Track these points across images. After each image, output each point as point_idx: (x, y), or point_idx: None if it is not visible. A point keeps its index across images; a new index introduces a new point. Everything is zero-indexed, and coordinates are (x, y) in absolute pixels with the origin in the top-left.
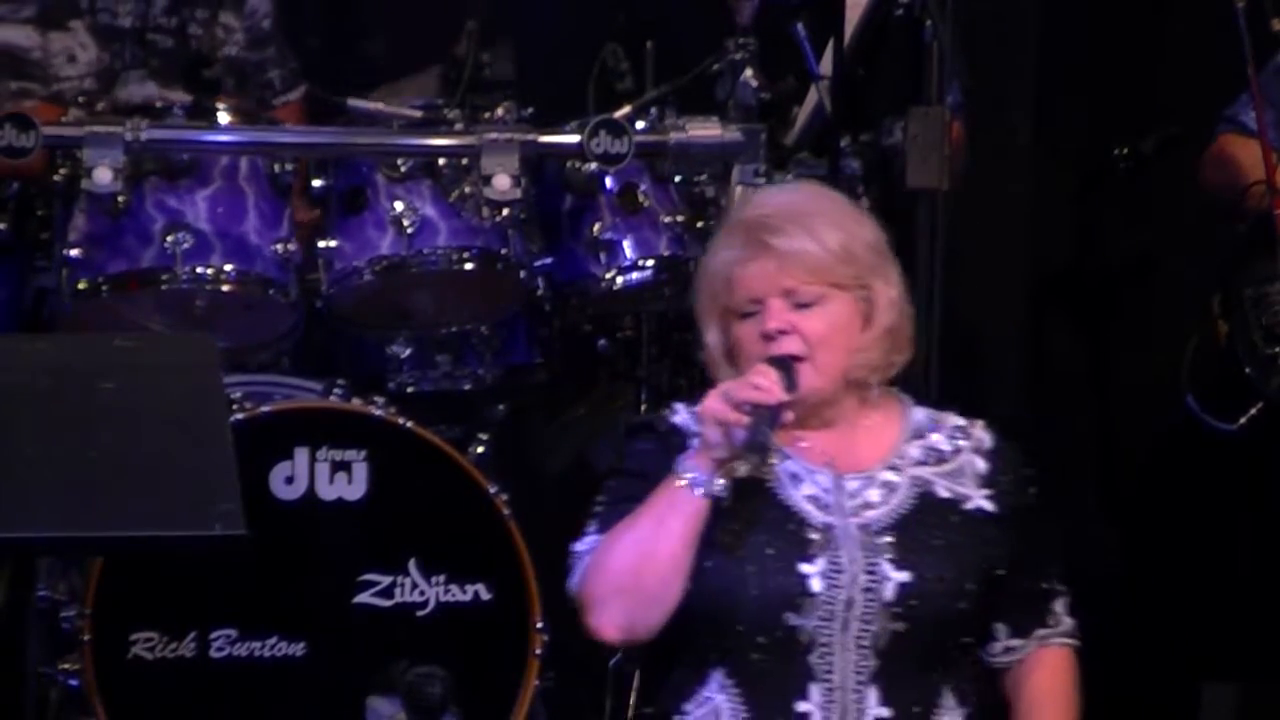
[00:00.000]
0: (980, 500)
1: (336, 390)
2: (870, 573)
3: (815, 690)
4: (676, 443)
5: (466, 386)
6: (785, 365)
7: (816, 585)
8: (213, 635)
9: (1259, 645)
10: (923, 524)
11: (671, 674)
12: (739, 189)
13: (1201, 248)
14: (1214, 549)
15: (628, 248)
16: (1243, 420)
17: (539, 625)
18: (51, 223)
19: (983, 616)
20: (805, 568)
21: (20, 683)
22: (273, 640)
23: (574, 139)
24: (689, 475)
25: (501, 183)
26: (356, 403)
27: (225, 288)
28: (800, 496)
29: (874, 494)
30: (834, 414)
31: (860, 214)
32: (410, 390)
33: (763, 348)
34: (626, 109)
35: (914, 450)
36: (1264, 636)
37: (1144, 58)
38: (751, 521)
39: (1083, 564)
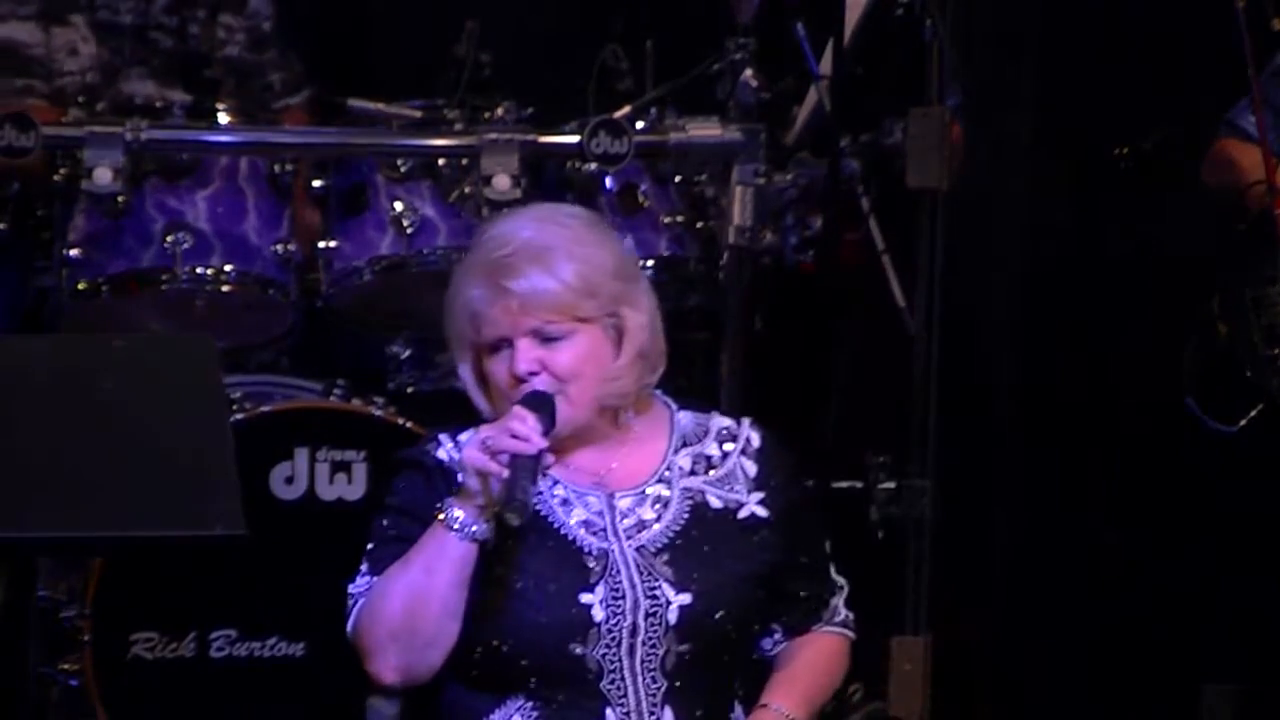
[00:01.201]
0: (753, 506)
1: (336, 390)
2: (652, 597)
3: (611, 715)
4: (441, 479)
5: None
6: (542, 400)
7: (599, 614)
8: (213, 635)
9: (1259, 646)
10: (699, 540)
11: (465, 697)
12: (739, 189)
13: (1201, 248)
14: (1214, 550)
15: (627, 248)
16: (1243, 422)
17: None
18: (51, 223)
19: (764, 623)
20: (586, 597)
21: (20, 683)
22: (273, 640)
23: (574, 139)
24: (454, 520)
25: (501, 183)
26: (356, 403)
27: (225, 288)
28: (573, 523)
29: (647, 512)
30: (594, 433)
31: (603, 238)
32: (410, 390)
33: (514, 386)
34: (626, 109)
35: (683, 460)
36: (1264, 638)
37: (1144, 58)
38: (544, 551)
39: (1084, 565)
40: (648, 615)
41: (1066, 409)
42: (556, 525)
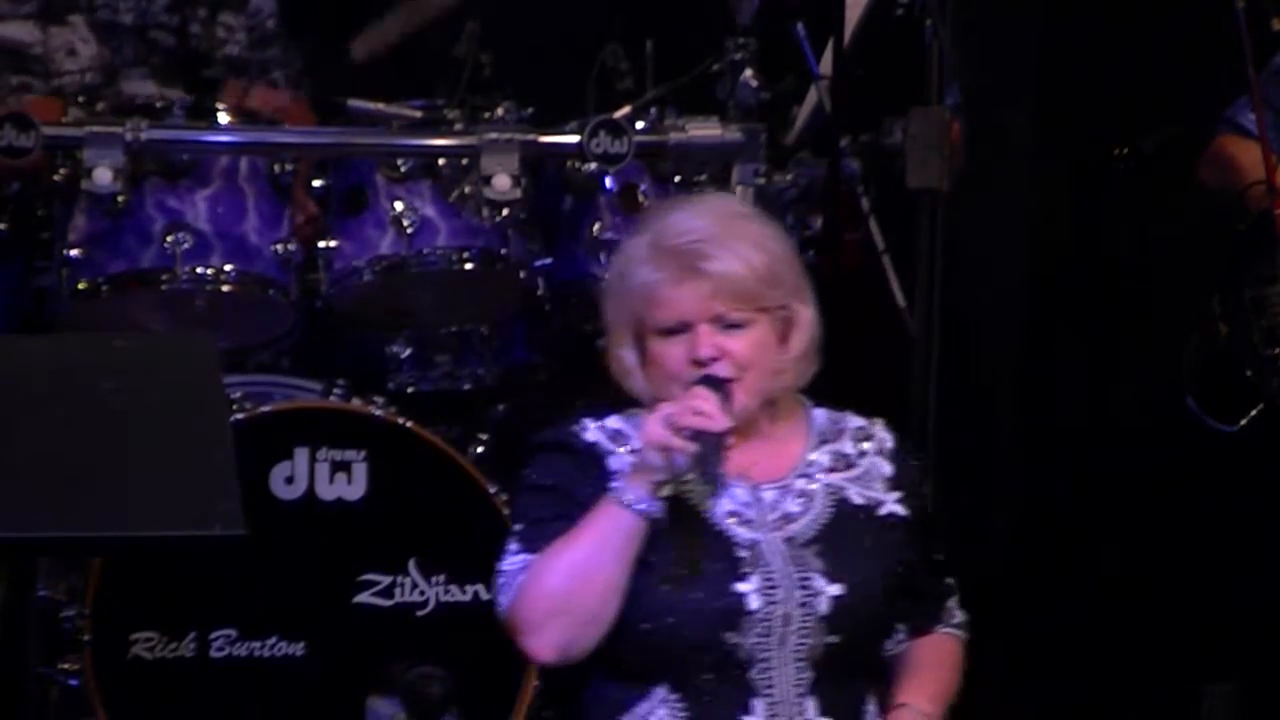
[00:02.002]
0: (892, 504)
1: (336, 390)
2: (804, 587)
3: (759, 705)
4: (591, 461)
5: (466, 386)
6: (718, 385)
7: (754, 603)
8: (213, 635)
9: (1259, 646)
10: (844, 533)
11: (609, 688)
12: (739, 189)
13: (1201, 248)
14: (1214, 550)
15: None
16: (1243, 422)
17: None
18: (51, 223)
19: (893, 621)
20: (740, 586)
21: (20, 683)
22: (273, 640)
23: (574, 139)
24: (629, 497)
25: (501, 183)
26: (356, 403)
27: (225, 288)
28: (721, 513)
29: (792, 505)
30: (746, 425)
31: (780, 233)
32: (410, 390)
33: (689, 369)
34: (626, 109)
35: (822, 457)
36: (1263, 638)
37: (1144, 58)
38: (698, 547)
39: (1084, 565)
40: (801, 605)
41: (1066, 408)
42: (705, 515)
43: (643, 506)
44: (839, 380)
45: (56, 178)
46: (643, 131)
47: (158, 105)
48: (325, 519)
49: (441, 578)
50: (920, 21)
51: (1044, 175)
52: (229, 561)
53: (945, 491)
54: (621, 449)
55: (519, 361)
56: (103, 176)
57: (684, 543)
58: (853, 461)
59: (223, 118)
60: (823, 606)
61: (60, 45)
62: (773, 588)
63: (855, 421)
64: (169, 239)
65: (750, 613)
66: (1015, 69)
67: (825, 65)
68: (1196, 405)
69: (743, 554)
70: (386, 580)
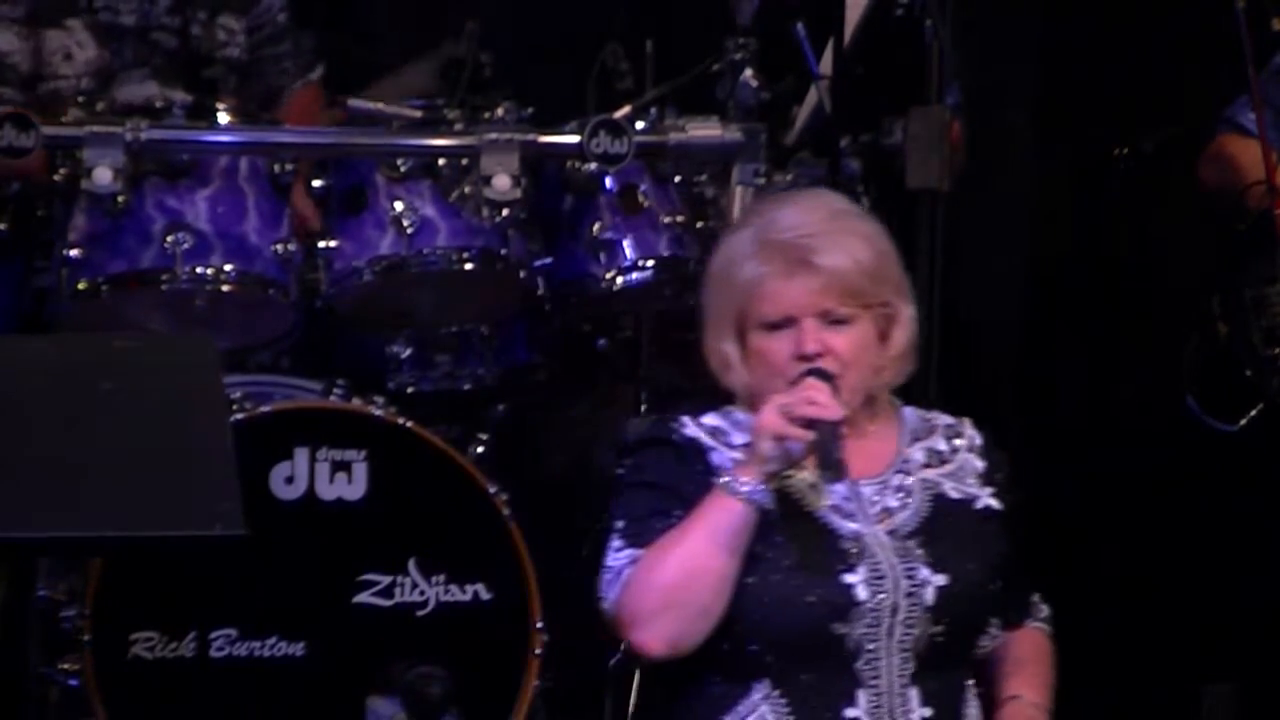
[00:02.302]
0: (987, 499)
1: (336, 390)
2: (910, 578)
3: (863, 696)
4: (694, 455)
5: (466, 386)
6: (828, 376)
7: (862, 593)
8: (213, 635)
9: (1258, 646)
10: (944, 527)
11: (711, 686)
12: (739, 189)
13: (1201, 248)
14: (1214, 550)
15: (628, 248)
16: (1243, 421)
17: (539, 625)
18: (51, 223)
19: (992, 613)
20: (849, 577)
21: (20, 683)
22: (273, 640)
23: (574, 139)
24: (743, 488)
25: (501, 183)
26: (356, 403)
27: (225, 288)
28: (823, 506)
29: (892, 500)
30: (845, 420)
31: (882, 230)
32: (410, 390)
33: (793, 365)
34: (626, 109)
35: (917, 453)
36: (1263, 638)
37: (1144, 58)
38: (806, 539)
39: (1084, 565)
40: (908, 595)
41: (1066, 408)
42: (808, 508)
43: (756, 496)
44: None
45: (56, 178)
46: (643, 131)
47: (158, 105)
48: (325, 519)
49: (441, 578)
50: (920, 21)
51: (1044, 175)
52: (229, 561)
53: None
54: (721, 445)
55: (519, 361)
56: (103, 176)
57: (791, 535)
58: (946, 458)
59: (223, 118)
60: (929, 597)
61: (56, 49)
62: (880, 578)
63: (944, 419)
64: (169, 239)
65: (859, 603)
66: (1015, 69)
67: (825, 65)
68: (1196, 405)
69: (848, 546)
70: (386, 580)
